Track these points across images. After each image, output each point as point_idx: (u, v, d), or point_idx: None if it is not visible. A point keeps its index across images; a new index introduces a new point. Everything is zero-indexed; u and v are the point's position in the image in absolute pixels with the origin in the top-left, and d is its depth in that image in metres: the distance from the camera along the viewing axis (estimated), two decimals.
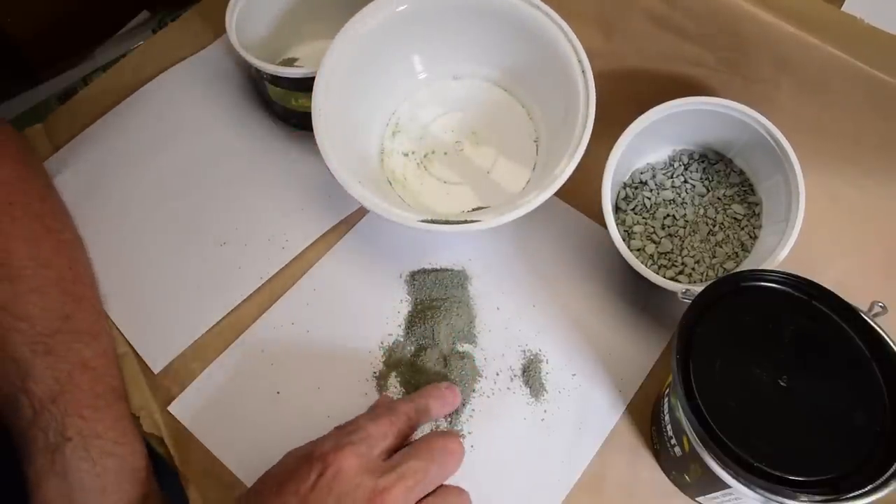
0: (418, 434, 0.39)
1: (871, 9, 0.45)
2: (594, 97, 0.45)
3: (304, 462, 0.33)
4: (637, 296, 0.48)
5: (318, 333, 0.48)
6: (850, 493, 0.29)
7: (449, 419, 0.44)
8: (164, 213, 0.53)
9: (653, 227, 0.48)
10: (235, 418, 0.45)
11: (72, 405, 0.39)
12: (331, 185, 0.45)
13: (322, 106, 0.46)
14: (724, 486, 0.33)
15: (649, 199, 0.48)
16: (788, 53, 0.46)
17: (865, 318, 0.33)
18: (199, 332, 0.48)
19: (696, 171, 0.49)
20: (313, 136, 0.45)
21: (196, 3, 0.65)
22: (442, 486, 0.36)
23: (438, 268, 0.49)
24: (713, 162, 0.49)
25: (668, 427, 0.38)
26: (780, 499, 0.30)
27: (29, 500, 0.38)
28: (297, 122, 0.56)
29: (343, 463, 0.33)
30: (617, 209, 0.49)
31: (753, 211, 0.48)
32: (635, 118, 0.45)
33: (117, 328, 0.48)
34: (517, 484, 0.42)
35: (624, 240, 0.46)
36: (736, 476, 0.31)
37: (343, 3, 0.51)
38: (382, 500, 0.32)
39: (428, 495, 0.35)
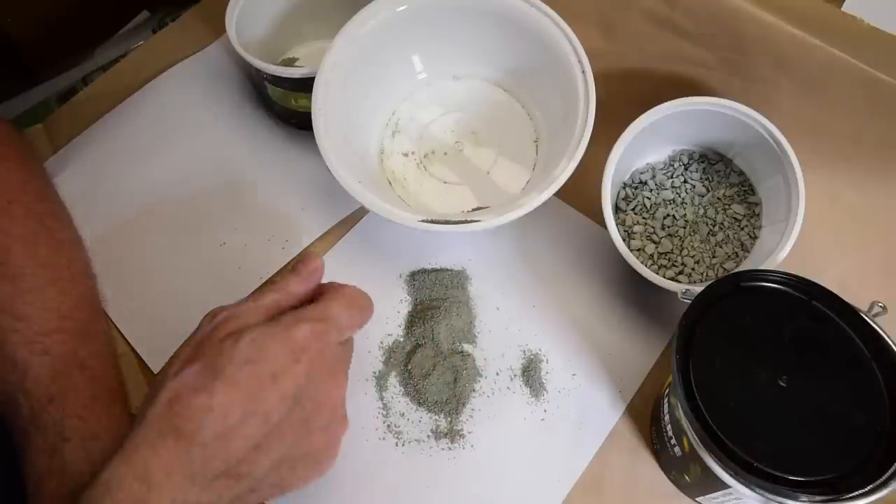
0: None
1: (871, 9, 0.45)
2: (594, 97, 0.45)
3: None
4: (637, 296, 0.48)
5: None
6: (850, 493, 0.29)
7: (450, 419, 0.44)
8: (165, 213, 0.53)
9: (653, 227, 0.48)
10: None
11: (69, 406, 0.39)
12: (331, 185, 0.45)
13: (322, 106, 0.46)
14: (724, 486, 0.33)
15: (649, 199, 0.48)
16: (788, 54, 0.46)
17: (865, 318, 0.33)
18: None
19: (696, 171, 0.49)
20: (313, 136, 0.45)
21: (196, 3, 0.65)
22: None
23: (438, 268, 0.49)
24: (713, 162, 0.49)
25: (668, 427, 0.38)
26: (780, 499, 0.30)
27: (28, 500, 0.38)
28: (297, 122, 0.56)
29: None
30: (617, 209, 0.49)
31: (753, 211, 0.48)
32: (635, 118, 0.45)
33: (117, 328, 0.48)
34: (517, 484, 0.42)
35: (624, 240, 0.46)
36: (736, 476, 0.31)
37: (343, 3, 0.51)
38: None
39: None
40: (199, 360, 0.31)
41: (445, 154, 0.53)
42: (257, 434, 0.31)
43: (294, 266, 0.37)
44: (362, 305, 0.37)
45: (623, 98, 0.49)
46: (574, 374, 0.45)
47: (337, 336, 0.35)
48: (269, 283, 0.36)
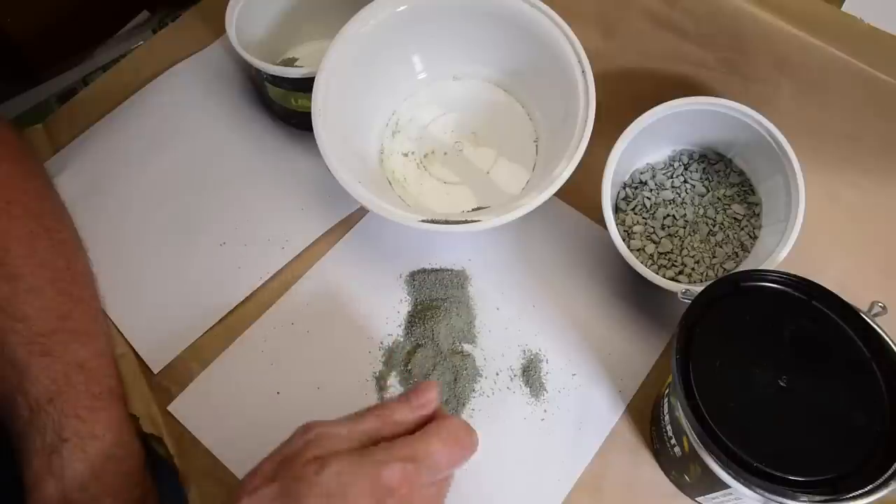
0: None
1: (871, 9, 0.45)
2: (594, 97, 0.45)
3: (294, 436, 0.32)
4: (637, 296, 0.48)
5: (318, 333, 0.48)
6: (850, 493, 0.29)
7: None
8: (164, 213, 0.53)
9: (653, 227, 0.48)
10: (235, 418, 0.45)
11: (68, 406, 0.39)
12: (331, 185, 0.45)
13: (322, 106, 0.46)
14: (724, 486, 0.33)
15: (649, 199, 0.48)
16: (788, 54, 0.46)
17: (865, 318, 0.33)
18: (199, 332, 0.48)
19: (696, 171, 0.49)
20: (313, 136, 0.45)
21: (196, 3, 0.65)
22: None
23: (438, 268, 0.49)
24: (713, 162, 0.49)
25: (668, 427, 0.38)
26: (780, 499, 0.30)
27: (26, 500, 0.38)
28: (297, 122, 0.56)
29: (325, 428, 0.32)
30: (617, 209, 0.49)
31: (753, 211, 0.48)
32: (635, 118, 0.45)
33: (117, 328, 0.48)
34: (517, 484, 0.42)
35: (624, 240, 0.46)
36: (736, 476, 0.31)
37: (343, 3, 0.51)
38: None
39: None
40: (280, 481, 0.29)
41: (445, 154, 0.53)
42: None
43: (406, 393, 0.34)
44: (465, 444, 0.33)
45: (623, 98, 0.49)
46: (574, 374, 0.45)
47: (430, 477, 0.31)
48: (375, 407, 0.33)
